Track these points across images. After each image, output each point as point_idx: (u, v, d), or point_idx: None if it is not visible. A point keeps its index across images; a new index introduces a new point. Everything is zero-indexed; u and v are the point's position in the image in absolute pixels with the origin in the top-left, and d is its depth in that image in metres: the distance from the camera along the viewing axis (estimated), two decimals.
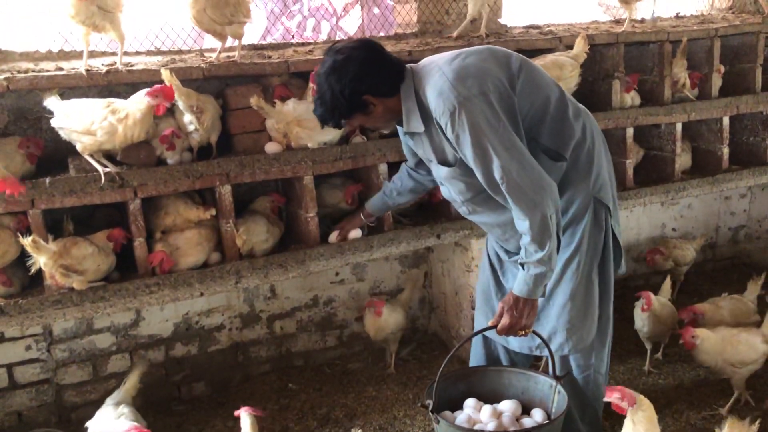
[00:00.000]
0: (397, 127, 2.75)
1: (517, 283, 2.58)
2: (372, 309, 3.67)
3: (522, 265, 2.54)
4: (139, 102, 2.88)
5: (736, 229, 5.19)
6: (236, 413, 2.74)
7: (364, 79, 2.46)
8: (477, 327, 3.12)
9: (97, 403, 3.50)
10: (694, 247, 4.52)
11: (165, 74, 2.94)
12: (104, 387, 3.55)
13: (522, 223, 2.47)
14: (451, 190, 2.74)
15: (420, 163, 2.99)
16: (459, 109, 2.39)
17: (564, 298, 2.78)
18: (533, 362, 3.21)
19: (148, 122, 2.92)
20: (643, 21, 4.62)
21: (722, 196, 5.07)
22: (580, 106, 2.76)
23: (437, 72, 2.48)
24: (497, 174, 2.43)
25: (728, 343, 3.24)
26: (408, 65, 2.60)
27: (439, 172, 2.70)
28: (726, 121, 4.25)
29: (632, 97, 4.01)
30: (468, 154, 2.45)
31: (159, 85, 2.91)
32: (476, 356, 3.12)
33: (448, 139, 2.50)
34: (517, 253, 2.76)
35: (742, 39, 4.37)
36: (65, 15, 2.87)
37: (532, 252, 2.49)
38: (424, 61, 2.65)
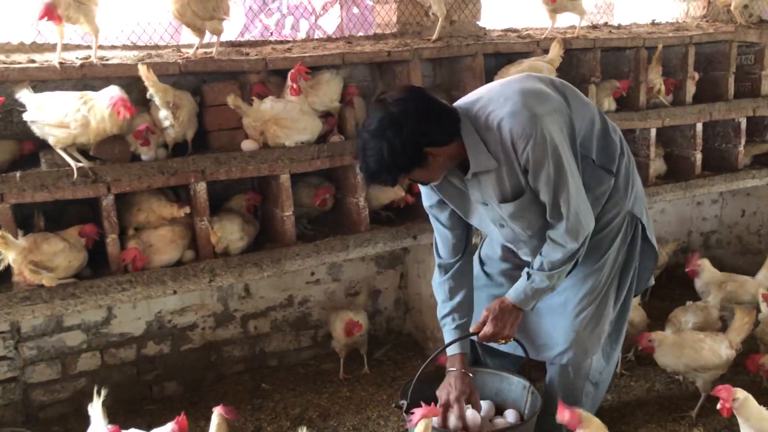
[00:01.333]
0: (424, 188, 2.63)
1: (515, 289, 2.58)
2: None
3: (528, 274, 2.54)
4: (104, 102, 2.80)
5: (707, 234, 5.27)
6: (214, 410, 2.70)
7: (425, 131, 2.28)
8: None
9: (66, 402, 3.47)
10: (666, 251, 4.58)
11: (142, 70, 2.91)
12: (73, 386, 3.50)
13: (562, 244, 2.47)
14: (515, 229, 2.60)
15: (454, 220, 2.74)
16: (540, 128, 2.29)
17: (578, 308, 2.73)
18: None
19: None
20: (619, 27, 4.67)
21: (695, 201, 5.14)
22: (612, 122, 2.74)
23: (499, 99, 2.38)
24: (563, 198, 2.38)
25: (689, 347, 3.28)
26: (457, 106, 2.47)
27: (500, 213, 2.55)
28: (699, 127, 4.32)
29: (608, 102, 4.05)
30: (544, 177, 2.36)
31: (120, 100, 2.78)
32: None
33: (520, 166, 2.38)
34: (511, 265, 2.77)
35: (715, 47, 4.44)
36: (42, 12, 2.82)
37: (547, 268, 2.50)
38: (468, 98, 2.51)
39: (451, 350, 2.73)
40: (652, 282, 3.04)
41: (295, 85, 3.25)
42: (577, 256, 2.53)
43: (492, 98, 2.41)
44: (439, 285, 2.81)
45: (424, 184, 2.55)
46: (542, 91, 2.44)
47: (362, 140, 2.32)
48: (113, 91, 2.81)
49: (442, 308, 2.80)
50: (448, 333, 2.77)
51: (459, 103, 2.50)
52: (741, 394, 2.55)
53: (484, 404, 2.77)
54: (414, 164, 2.32)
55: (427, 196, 2.70)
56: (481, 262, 3.00)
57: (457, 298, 2.76)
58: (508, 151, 2.36)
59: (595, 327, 2.75)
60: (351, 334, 3.58)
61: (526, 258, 2.73)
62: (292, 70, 3.23)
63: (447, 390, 2.68)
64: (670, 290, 4.52)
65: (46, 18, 2.77)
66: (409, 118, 2.26)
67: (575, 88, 2.64)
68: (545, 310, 2.77)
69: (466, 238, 2.79)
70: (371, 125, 2.29)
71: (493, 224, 2.65)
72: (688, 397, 3.47)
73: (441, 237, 2.77)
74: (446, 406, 2.65)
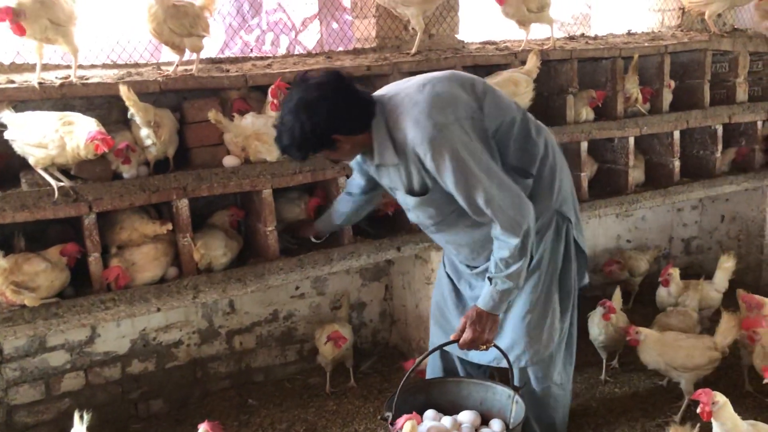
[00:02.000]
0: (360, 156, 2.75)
1: (483, 297, 2.62)
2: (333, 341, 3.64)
3: (490, 279, 2.58)
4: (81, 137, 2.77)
5: (688, 240, 5.33)
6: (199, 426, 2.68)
7: (335, 120, 2.42)
8: (433, 340, 3.15)
9: (50, 424, 3.44)
10: (647, 258, 4.63)
11: (123, 90, 2.92)
12: (57, 407, 3.47)
13: (504, 241, 2.51)
14: (420, 215, 2.74)
15: (368, 187, 3.00)
16: (439, 138, 2.40)
17: (523, 311, 2.81)
18: (491, 373, 3.24)
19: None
20: (596, 37, 4.74)
21: (675, 207, 5.20)
22: (540, 123, 2.82)
23: (409, 102, 2.48)
24: (481, 199, 2.45)
25: (670, 346, 3.33)
26: (376, 97, 2.58)
27: (406, 201, 2.69)
28: (677, 135, 4.38)
29: (586, 112, 4.10)
30: (450, 181, 2.46)
31: (98, 134, 2.75)
32: (433, 369, 3.14)
33: (426, 169, 2.49)
34: (479, 267, 2.81)
35: (690, 56, 4.51)
36: (20, 33, 2.82)
37: (503, 268, 2.54)
38: (390, 90, 2.63)
39: None
40: (587, 281, 3.10)
41: (275, 101, 3.26)
42: (527, 250, 2.54)
43: (404, 99, 2.51)
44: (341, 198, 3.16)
45: (335, 162, 2.74)
46: (451, 98, 2.51)
47: (281, 114, 2.48)
48: (90, 126, 2.77)
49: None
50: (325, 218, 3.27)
51: (378, 93, 2.63)
52: (720, 398, 2.59)
53: (470, 414, 2.78)
54: (322, 147, 2.49)
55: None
56: (450, 278, 3.06)
57: (343, 208, 3.14)
58: (410, 155, 2.49)
59: (543, 326, 2.83)
60: (338, 345, 3.58)
61: (459, 262, 2.90)
62: (273, 86, 3.25)
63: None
64: (653, 297, 4.55)
65: (7, 21, 2.74)
66: (322, 106, 2.40)
67: (499, 91, 2.73)
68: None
69: (371, 199, 3.09)
70: (290, 103, 2.44)
71: (404, 206, 2.79)
72: (672, 401, 3.50)
73: (353, 181, 3.04)
74: None
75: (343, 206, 3.16)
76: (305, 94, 2.42)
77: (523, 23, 3.95)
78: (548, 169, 2.74)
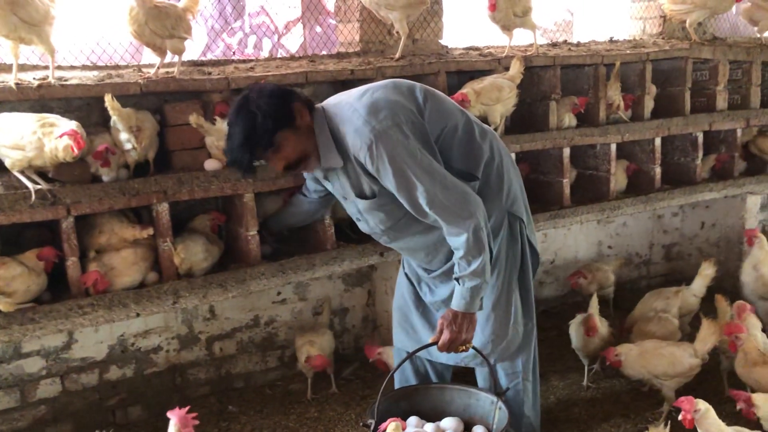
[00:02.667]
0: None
1: (455, 298, 2.63)
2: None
3: (457, 280, 2.60)
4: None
5: (669, 246, 5.37)
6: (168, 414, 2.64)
7: (277, 116, 2.50)
8: (397, 345, 3.17)
9: (26, 431, 3.37)
10: (612, 269, 4.62)
11: (107, 99, 2.88)
12: (32, 414, 3.40)
13: (456, 240, 2.55)
14: (369, 222, 2.80)
15: (322, 190, 3.04)
16: (376, 142, 2.47)
17: (486, 310, 2.85)
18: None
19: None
20: (578, 44, 4.76)
21: (655, 214, 5.24)
22: (486, 126, 2.88)
23: (349, 109, 2.55)
24: (422, 199, 2.50)
25: (651, 355, 3.35)
26: (318, 105, 2.67)
27: (357, 206, 2.75)
28: (658, 141, 4.41)
29: (569, 118, 4.11)
30: (391, 185, 2.52)
31: (72, 134, 2.70)
32: (402, 373, 3.14)
33: (368, 174, 2.56)
34: (437, 270, 2.85)
35: (672, 63, 4.55)
36: None
37: (465, 266, 2.56)
38: (332, 99, 2.73)
39: None
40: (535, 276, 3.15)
41: None
42: (484, 243, 2.56)
43: (344, 107, 2.60)
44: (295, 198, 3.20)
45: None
46: (388, 103, 2.56)
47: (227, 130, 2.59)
48: (67, 125, 2.73)
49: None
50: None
51: (324, 102, 2.72)
52: (702, 405, 2.59)
53: (452, 421, 2.77)
54: (269, 147, 2.52)
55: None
56: (410, 281, 3.07)
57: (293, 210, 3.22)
58: (353, 160, 2.58)
59: (509, 323, 2.89)
60: (319, 368, 3.59)
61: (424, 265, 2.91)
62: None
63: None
64: (633, 303, 4.57)
65: None
66: (257, 108, 2.48)
67: (442, 96, 2.80)
68: None
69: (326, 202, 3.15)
70: (231, 117, 2.55)
71: (354, 215, 2.85)
72: (653, 407, 3.51)
73: (308, 184, 3.09)
74: None
75: (297, 206, 3.22)
76: (242, 103, 2.52)
77: (508, 28, 3.96)
78: (495, 171, 2.80)
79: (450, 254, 2.72)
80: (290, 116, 2.53)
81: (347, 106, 2.58)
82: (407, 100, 2.62)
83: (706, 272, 4.13)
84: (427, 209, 2.52)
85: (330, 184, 2.82)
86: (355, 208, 2.79)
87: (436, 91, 2.82)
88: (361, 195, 2.68)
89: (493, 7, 3.84)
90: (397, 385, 3.14)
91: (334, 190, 2.84)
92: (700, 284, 4.15)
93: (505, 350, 2.93)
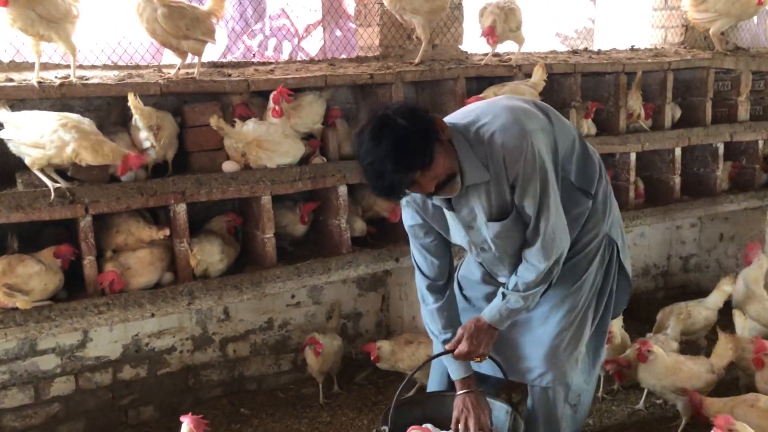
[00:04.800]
0: (407, 209, 2.60)
1: (490, 310, 2.59)
2: (312, 347, 3.59)
3: (503, 294, 2.55)
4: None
5: (686, 257, 5.31)
6: (181, 418, 2.64)
7: (425, 133, 2.26)
8: (435, 349, 3.10)
9: (39, 428, 3.38)
10: None
11: (130, 98, 2.91)
12: (46, 411, 3.41)
13: (536, 260, 2.47)
14: (498, 252, 2.58)
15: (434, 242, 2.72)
16: (528, 139, 2.33)
17: (557, 329, 2.71)
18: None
19: (101, 155, 2.83)
20: (599, 52, 4.73)
21: (674, 225, 5.18)
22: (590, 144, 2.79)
23: (487, 116, 2.41)
24: (544, 218, 2.41)
25: (670, 369, 3.29)
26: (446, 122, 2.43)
27: (486, 233, 2.54)
28: (678, 152, 4.37)
29: (588, 127, 4.08)
30: (530, 189, 2.39)
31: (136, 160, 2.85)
32: (435, 381, 3.09)
33: (509, 181, 2.39)
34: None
35: (693, 73, 4.51)
36: (5, 23, 2.78)
37: (521, 288, 2.51)
38: (455, 116, 2.53)
39: (461, 373, 2.71)
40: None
41: (277, 107, 3.24)
42: (551, 276, 2.53)
43: (480, 114, 2.44)
44: (435, 311, 2.73)
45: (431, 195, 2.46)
46: (528, 109, 2.48)
47: (366, 155, 2.25)
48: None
49: (442, 335, 2.75)
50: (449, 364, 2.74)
51: (447, 119, 2.48)
52: (740, 427, 2.54)
53: None
54: (430, 160, 2.25)
55: (410, 216, 2.66)
56: (460, 286, 2.98)
57: (452, 328, 2.71)
58: (498, 165, 2.38)
59: (573, 350, 2.75)
60: (316, 353, 3.55)
61: (504, 280, 2.70)
62: (275, 92, 3.22)
63: (462, 411, 2.68)
64: (650, 315, 4.51)
65: None
66: (409, 129, 2.22)
67: (556, 111, 2.66)
68: (525, 332, 2.76)
69: (449, 261, 2.77)
70: (377, 134, 2.23)
71: (476, 248, 2.65)
72: (668, 420, 3.46)
73: (424, 259, 2.72)
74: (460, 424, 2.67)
75: (448, 299, 2.78)
76: (383, 122, 2.24)
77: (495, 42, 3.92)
78: (602, 190, 2.70)
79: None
80: (435, 129, 2.31)
81: (486, 113, 2.41)
82: (535, 109, 2.51)
83: (725, 288, 4.07)
84: (541, 218, 2.40)
85: (457, 210, 2.52)
86: (482, 237, 2.56)
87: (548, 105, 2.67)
88: (492, 217, 2.48)
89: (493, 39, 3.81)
90: (430, 388, 3.07)
91: (456, 221, 2.56)
92: (716, 298, 4.09)
93: (562, 375, 2.72)
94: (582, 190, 2.63)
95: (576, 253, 2.67)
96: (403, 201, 2.59)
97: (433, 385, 3.09)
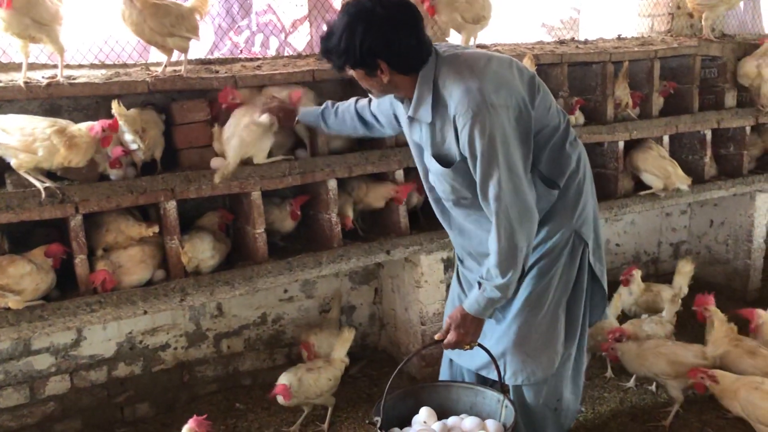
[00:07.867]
0: (394, 98, 2.65)
1: (469, 300, 2.58)
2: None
3: (479, 283, 2.53)
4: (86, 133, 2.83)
5: (677, 244, 5.35)
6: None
7: (389, 47, 2.34)
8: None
9: (34, 428, 3.39)
10: None
11: (114, 106, 2.91)
12: (42, 410, 3.42)
13: (493, 244, 2.44)
14: (437, 185, 2.69)
15: (375, 121, 2.94)
16: (483, 113, 2.32)
17: (526, 328, 2.71)
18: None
19: (91, 152, 2.86)
20: (586, 42, 4.75)
21: (663, 212, 5.21)
22: (578, 138, 2.76)
23: (467, 69, 2.39)
24: (493, 189, 2.38)
25: (650, 353, 3.32)
26: (438, 46, 2.50)
27: (428, 166, 2.65)
28: (666, 139, 4.39)
29: (576, 116, 4.10)
30: (473, 158, 2.39)
31: (107, 122, 2.85)
32: (444, 374, 3.11)
33: (457, 139, 2.42)
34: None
35: (680, 61, 4.53)
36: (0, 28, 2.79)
37: (493, 276, 2.47)
38: (450, 47, 2.53)
39: None
40: (607, 316, 3.09)
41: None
42: (518, 265, 2.46)
43: (462, 63, 2.42)
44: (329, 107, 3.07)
45: (369, 91, 2.61)
46: (508, 82, 2.42)
47: (338, 16, 2.39)
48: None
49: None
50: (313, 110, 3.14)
51: (444, 45, 2.54)
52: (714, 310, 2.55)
53: (473, 421, 2.73)
54: (361, 66, 2.39)
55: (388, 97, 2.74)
56: (459, 275, 3.00)
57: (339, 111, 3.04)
58: (447, 119, 2.43)
59: (544, 349, 2.73)
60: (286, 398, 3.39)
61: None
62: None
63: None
64: None
65: None
66: (383, 27, 2.32)
67: (550, 94, 2.65)
68: (491, 331, 2.78)
69: (363, 125, 3.00)
70: (352, 9, 2.34)
71: (426, 183, 2.75)
72: (660, 406, 3.50)
73: (367, 107, 2.95)
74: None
75: (338, 112, 3.05)
76: (372, 9, 2.32)
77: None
78: (575, 185, 2.68)
79: None
80: (401, 56, 2.38)
81: (466, 64, 2.40)
82: (524, 86, 2.47)
83: (684, 269, 4.15)
84: (490, 199, 2.39)
85: (411, 130, 2.64)
86: (425, 165, 2.68)
87: (546, 87, 2.67)
88: (438, 157, 2.54)
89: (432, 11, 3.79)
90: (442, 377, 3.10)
91: (412, 136, 2.66)
92: (679, 282, 4.15)
93: (533, 373, 2.73)
94: (549, 180, 2.62)
95: (540, 245, 2.67)
96: None
97: (444, 375, 3.11)
